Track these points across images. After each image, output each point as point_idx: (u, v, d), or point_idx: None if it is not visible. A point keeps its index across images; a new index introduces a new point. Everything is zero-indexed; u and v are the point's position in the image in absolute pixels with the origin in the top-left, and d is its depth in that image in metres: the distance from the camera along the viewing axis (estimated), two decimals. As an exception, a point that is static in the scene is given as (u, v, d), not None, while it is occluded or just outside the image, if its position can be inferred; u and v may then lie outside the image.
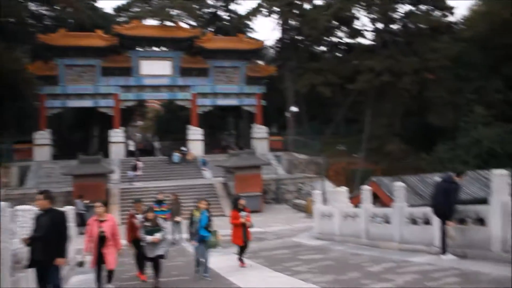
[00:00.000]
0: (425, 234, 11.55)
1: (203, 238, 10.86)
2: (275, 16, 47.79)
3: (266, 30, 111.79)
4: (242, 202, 12.10)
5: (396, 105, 38.63)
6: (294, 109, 40.31)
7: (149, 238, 9.39)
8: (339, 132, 47.18)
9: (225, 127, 52.16)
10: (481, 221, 10.19)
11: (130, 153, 40.39)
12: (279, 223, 24.99)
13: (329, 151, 41.28)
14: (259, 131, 42.84)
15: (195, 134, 41.49)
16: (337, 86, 42.98)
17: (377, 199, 20.60)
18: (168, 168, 37.35)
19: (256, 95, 42.87)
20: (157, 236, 9.46)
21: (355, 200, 22.09)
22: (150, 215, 9.81)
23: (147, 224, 9.59)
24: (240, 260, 12.07)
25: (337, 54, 52.17)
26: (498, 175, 9.79)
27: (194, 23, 51.16)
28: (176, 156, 38.32)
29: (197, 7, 51.97)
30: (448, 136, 35.21)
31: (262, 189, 30.67)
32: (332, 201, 17.45)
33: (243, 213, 11.91)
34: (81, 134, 48.43)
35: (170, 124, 54.47)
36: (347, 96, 43.18)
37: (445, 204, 10.19)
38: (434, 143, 35.92)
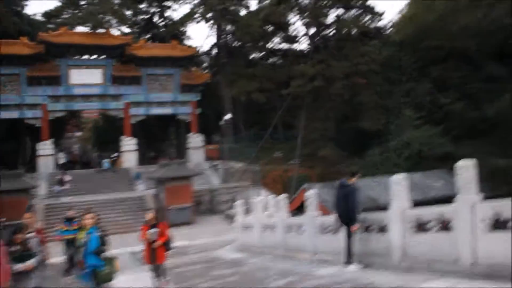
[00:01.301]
0: (335, 243, 11.18)
1: (94, 268, 8.53)
2: (209, 22, 47.20)
3: (203, 36, 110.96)
4: (151, 216, 10.44)
5: (330, 110, 38.84)
6: (228, 116, 39.84)
7: (19, 266, 7.63)
8: (277, 138, 47.04)
9: (165, 137, 51.01)
10: (383, 229, 9.94)
11: (60, 166, 38.61)
12: (208, 235, 24.31)
13: (266, 158, 41.04)
14: (195, 140, 42.06)
15: (129, 145, 40.19)
16: (272, 92, 42.87)
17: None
18: (99, 181, 35.87)
19: (191, 103, 42.05)
20: (29, 263, 7.76)
21: (292, 206, 21.77)
22: (19, 237, 7.96)
23: (15, 249, 7.77)
24: (159, 280, 10.45)
25: (274, 60, 52.22)
26: (396, 180, 9.55)
27: (127, 30, 49.94)
28: (106, 163, 37.13)
29: (130, 13, 50.76)
30: (381, 139, 35.68)
31: (193, 200, 29.90)
32: (270, 209, 16.81)
33: (152, 230, 10.25)
34: (12, 146, 45.99)
35: (107, 135, 52.77)
36: (284, 102, 43.14)
37: (347, 209, 9.87)
38: (367, 146, 36.32)
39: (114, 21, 47.37)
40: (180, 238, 23.31)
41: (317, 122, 37.98)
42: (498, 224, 7.46)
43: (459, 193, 7.94)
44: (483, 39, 38.69)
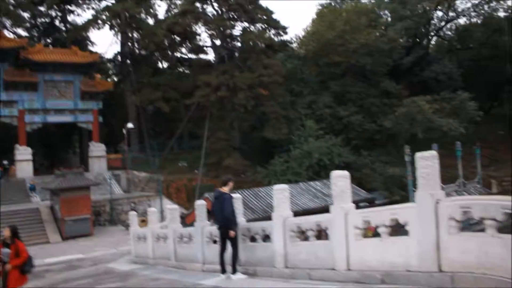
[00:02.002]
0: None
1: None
2: (113, 28, 45.89)
3: (108, 43, 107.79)
4: (7, 233, 9.18)
5: (234, 120, 39.20)
6: (130, 125, 38.79)
7: None
8: (183, 148, 46.61)
9: (67, 146, 48.58)
10: (267, 238, 10.08)
11: None
12: (106, 247, 23.41)
13: (171, 167, 40.48)
14: (97, 148, 40.51)
15: (23, 154, 37.83)
16: (178, 101, 42.48)
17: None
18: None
19: (92, 111, 40.47)
20: None
21: (191, 217, 21.47)
22: None
23: None
24: None
25: (181, 69, 51.88)
26: (278, 190, 9.72)
27: (25, 33, 47.22)
28: (-3, 172, 34.83)
29: (28, 15, 48.09)
30: (283, 149, 36.54)
31: (92, 211, 28.73)
32: (167, 219, 16.41)
33: (4, 250, 8.89)
34: None
35: (1, 143, 49.13)
36: (189, 111, 42.87)
37: (224, 217, 9.90)
38: (271, 156, 37.02)
39: (8, 22, 44.60)
40: (75, 250, 22.37)
41: (222, 132, 38.14)
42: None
43: (334, 202, 8.23)
44: (378, 57, 41.19)
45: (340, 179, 8.15)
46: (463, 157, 33.80)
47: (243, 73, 37.31)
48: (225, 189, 10.12)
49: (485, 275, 5.89)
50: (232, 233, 9.85)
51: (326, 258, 8.40)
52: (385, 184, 34.20)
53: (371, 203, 28.08)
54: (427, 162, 6.60)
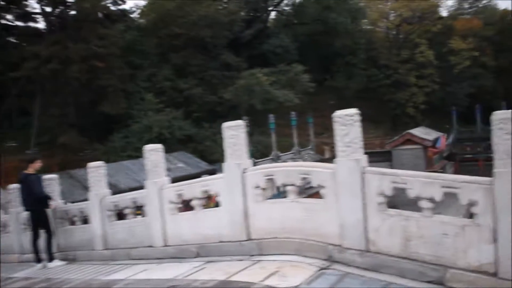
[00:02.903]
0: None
1: None
2: None
3: None
4: None
5: (69, 95, 36.56)
6: None
7: None
8: (11, 126, 42.37)
9: None
10: (86, 219, 9.48)
11: None
12: None
13: (-2, 149, 36.61)
14: None
15: None
16: (3, 74, 38.22)
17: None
18: None
19: None
20: None
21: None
22: None
23: None
24: None
25: (7, 38, 46.66)
26: (93, 167, 9.14)
27: None
28: None
29: None
30: (123, 124, 35.19)
31: None
32: None
33: None
34: None
35: None
36: (17, 86, 38.89)
37: (35, 198, 9.09)
38: (111, 132, 35.44)
39: None
40: None
41: (56, 108, 35.35)
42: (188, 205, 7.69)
43: (148, 177, 7.91)
44: (219, 29, 41.40)
45: (153, 153, 7.85)
46: (299, 126, 35.67)
47: (77, 44, 34.70)
48: (31, 170, 9.23)
49: (287, 239, 6.07)
50: (52, 205, 9.13)
51: (144, 236, 8.12)
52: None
53: (212, 175, 28.50)
54: (233, 132, 6.57)
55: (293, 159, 31.26)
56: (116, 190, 22.18)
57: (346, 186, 5.38)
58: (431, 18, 52.22)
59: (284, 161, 30.55)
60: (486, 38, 54.25)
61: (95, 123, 36.99)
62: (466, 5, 61.78)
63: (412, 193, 4.96)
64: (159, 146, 8.01)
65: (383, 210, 5.22)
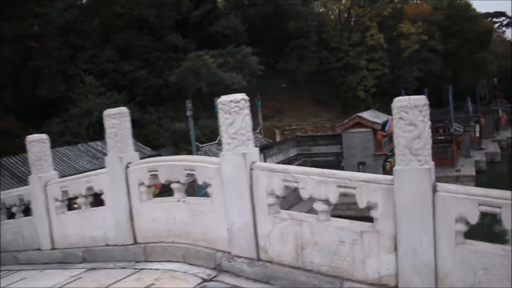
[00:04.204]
0: None
1: None
2: None
3: None
4: None
5: (4, 77, 34.34)
6: None
7: None
8: None
9: None
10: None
11: None
12: None
13: None
14: None
15: None
16: None
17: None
18: None
19: None
20: None
21: None
22: None
23: None
24: None
25: None
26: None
27: None
28: None
29: None
30: (62, 108, 33.38)
31: None
32: None
33: None
34: None
35: None
36: None
37: None
38: (49, 116, 33.60)
39: None
40: None
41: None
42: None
43: (32, 171, 6.88)
44: (165, 10, 39.84)
45: (36, 144, 6.83)
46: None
47: (10, 23, 32.44)
48: None
49: (173, 244, 5.25)
50: None
51: (32, 237, 7.11)
52: (173, 140, 33.72)
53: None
54: (114, 121, 5.66)
55: (240, 144, 30.47)
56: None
57: (232, 184, 4.58)
58: (382, 2, 52.08)
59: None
60: (435, 22, 54.73)
61: (33, 107, 34.99)
62: (416, -11, 62.20)
63: (305, 194, 4.21)
64: (43, 136, 7.01)
65: (274, 213, 4.46)
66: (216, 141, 29.51)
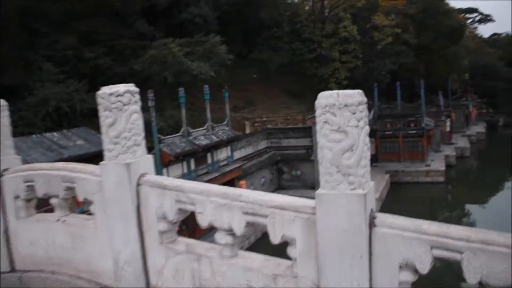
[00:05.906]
0: None
1: None
2: None
3: None
4: None
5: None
6: None
7: None
8: None
9: None
10: None
11: None
12: None
13: None
14: None
15: None
16: None
17: None
18: None
19: None
20: None
21: None
22: None
23: None
24: None
25: None
26: None
27: None
28: None
29: None
30: (19, 97, 31.57)
31: None
32: None
33: None
34: None
35: None
36: None
37: None
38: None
39: None
40: None
41: None
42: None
43: None
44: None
45: None
46: (217, 100, 33.80)
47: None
48: None
49: (54, 274, 4.09)
50: None
51: None
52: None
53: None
54: (-16, 116, 4.46)
55: (205, 136, 29.30)
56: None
57: (115, 203, 3.47)
58: (356, -7, 51.35)
59: (194, 138, 28.60)
60: (409, 15, 54.25)
61: (-13, 94, 33.14)
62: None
63: (203, 220, 3.13)
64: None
65: (168, 242, 3.37)
66: (180, 133, 28.25)
